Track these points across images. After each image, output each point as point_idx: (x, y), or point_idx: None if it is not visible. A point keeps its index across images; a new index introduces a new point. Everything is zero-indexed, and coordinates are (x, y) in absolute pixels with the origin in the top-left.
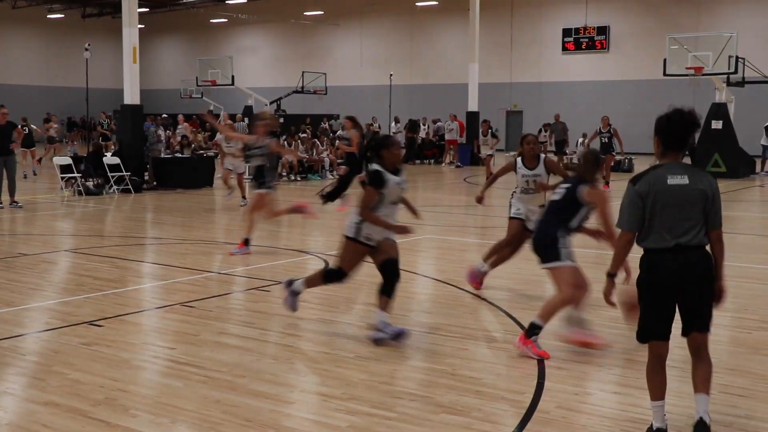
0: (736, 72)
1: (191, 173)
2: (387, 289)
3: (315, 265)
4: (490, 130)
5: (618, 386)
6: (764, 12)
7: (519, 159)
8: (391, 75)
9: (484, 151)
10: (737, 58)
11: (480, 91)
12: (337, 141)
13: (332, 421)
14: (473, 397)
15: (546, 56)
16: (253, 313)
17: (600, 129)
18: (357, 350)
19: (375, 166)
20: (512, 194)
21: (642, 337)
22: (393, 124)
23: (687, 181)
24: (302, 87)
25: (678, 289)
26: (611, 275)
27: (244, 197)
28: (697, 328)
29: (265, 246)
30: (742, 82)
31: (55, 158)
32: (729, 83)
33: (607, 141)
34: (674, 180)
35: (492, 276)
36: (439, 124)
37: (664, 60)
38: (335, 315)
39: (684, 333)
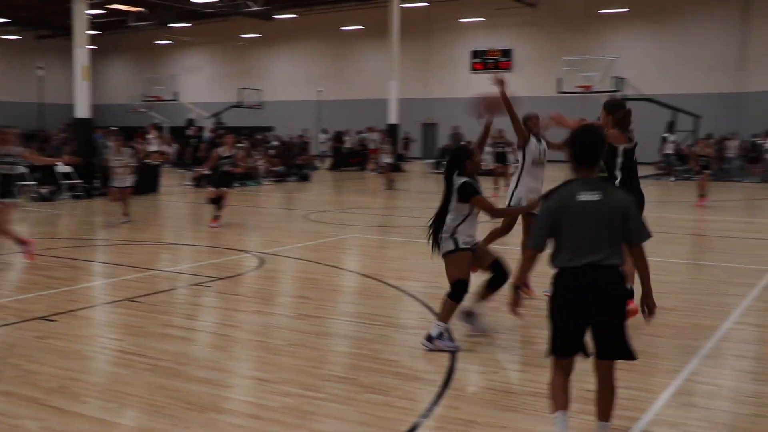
0: (618, 90)
1: (138, 180)
2: (495, 284)
3: (250, 263)
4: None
5: (521, 365)
6: (643, 39)
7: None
8: (319, 91)
9: (386, 160)
10: (618, 78)
11: (399, 105)
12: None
13: (267, 402)
14: (393, 378)
15: (456, 75)
16: (196, 306)
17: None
18: (290, 338)
19: (463, 178)
20: (518, 179)
21: (549, 351)
22: (320, 134)
23: (597, 198)
24: (240, 102)
25: (586, 310)
26: (516, 287)
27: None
28: (602, 353)
29: (206, 246)
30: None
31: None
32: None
33: (502, 152)
34: (585, 196)
35: (410, 270)
36: (363, 135)
37: (559, 79)
38: (268, 307)
39: (595, 355)
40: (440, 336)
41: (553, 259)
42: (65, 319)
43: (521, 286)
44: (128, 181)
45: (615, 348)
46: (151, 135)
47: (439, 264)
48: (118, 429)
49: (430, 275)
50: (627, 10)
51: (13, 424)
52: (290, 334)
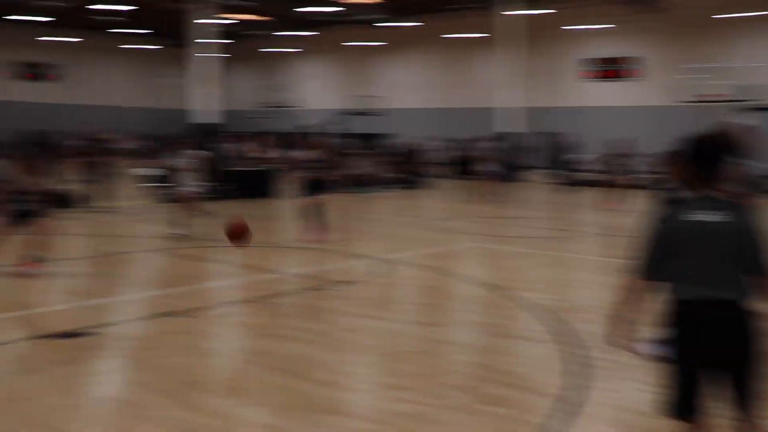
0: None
1: (260, 184)
2: None
3: (373, 268)
4: None
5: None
6: None
7: None
8: (436, 99)
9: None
10: (757, 86)
11: (517, 113)
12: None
13: (390, 408)
14: (518, 391)
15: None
16: (319, 310)
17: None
18: (409, 345)
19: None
20: None
21: (670, 410)
22: (439, 142)
23: (720, 219)
24: (360, 109)
25: (709, 352)
26: (619, 320)
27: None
28: (739, 406)
29: (329, 250)
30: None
31: (142, 170)
32: (745, 109)
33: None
34: (702, 216)
35: (531, 280)
36: (481, 143)
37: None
38: (389, 313)
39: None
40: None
41: (666, 291)
42: (196, 316)
43: (623, 319)
44: (195, 186)
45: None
46: (269, 141)
47: (561, 275)
48: (243, 425)
49: (551, 286)
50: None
51: (153, 414)
52: (411, 341)
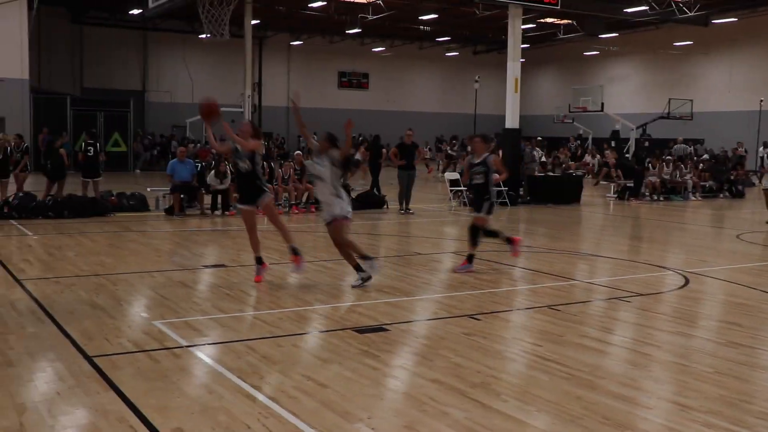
0: None
1: (561, 190)
2: None
3: (673, 281)
4: None
5: None
6: None
7: None
8: (761, 101)
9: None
10: None
11: None
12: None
13: (688, 431)
14: None
15: None
16: (613, 320)
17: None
18: (715, 366)
19: None
20: None
21: None
22: (761, 148)
23: None
24: (668, 113)
25: None
26: None
27: None
28: None
29: (625, 260)
30: None
31: (446, 173)
32: None
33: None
34: None
35: None
36: None
37: None
38: (692, 329)
39: None
40: None
41: None
42: (488, 319)
43: None
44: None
45: None
46: (573, 146)
47: None
48: (530, 430)
49: None
50: None
51: (441, 410)
52: (716, 361)
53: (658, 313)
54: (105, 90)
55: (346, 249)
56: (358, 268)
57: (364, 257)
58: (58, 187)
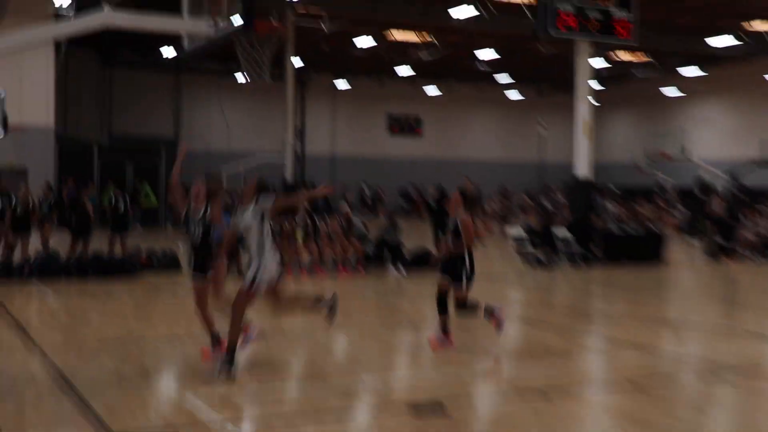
0: None
1: (638, 247)
2: None
3: None
4: None
5: None
6: None
7: None
8: None
9: None
10: None
11: None
12: None
13: None
14: None
15: None
16: (709, 399)
17: None
18: None
19: None
20: None
21: None
22: None
23: None
24: (764, 158)
25: None
26: None
27: None
28: None
29: (720, 328)
30: None
31: (510, 230)
32: None
33: None
34: None
35: None
36: None
37: None
38: None
39: None
40: None
41: None
42: (556, 396)
43: None
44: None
45: None
46: (655, 199)
47: None
48: None
49: None
50: None
51: None
52: None
53: (759, 390)
54: (134, 137)
55: (287, 307)
56: (318, 301)
57: (317, 300)
58: (83, 244)
